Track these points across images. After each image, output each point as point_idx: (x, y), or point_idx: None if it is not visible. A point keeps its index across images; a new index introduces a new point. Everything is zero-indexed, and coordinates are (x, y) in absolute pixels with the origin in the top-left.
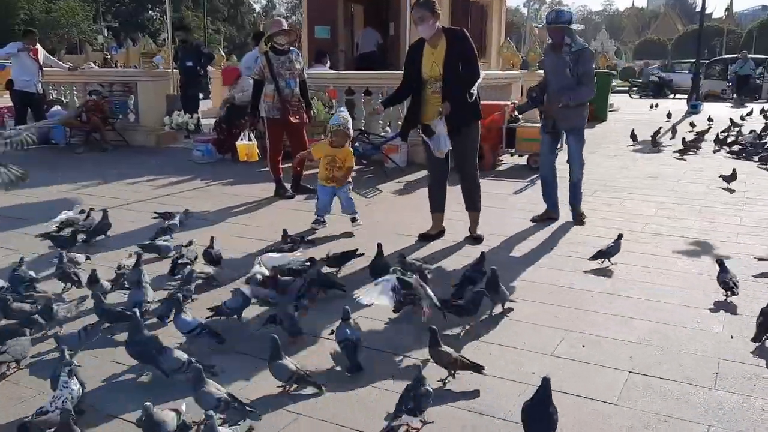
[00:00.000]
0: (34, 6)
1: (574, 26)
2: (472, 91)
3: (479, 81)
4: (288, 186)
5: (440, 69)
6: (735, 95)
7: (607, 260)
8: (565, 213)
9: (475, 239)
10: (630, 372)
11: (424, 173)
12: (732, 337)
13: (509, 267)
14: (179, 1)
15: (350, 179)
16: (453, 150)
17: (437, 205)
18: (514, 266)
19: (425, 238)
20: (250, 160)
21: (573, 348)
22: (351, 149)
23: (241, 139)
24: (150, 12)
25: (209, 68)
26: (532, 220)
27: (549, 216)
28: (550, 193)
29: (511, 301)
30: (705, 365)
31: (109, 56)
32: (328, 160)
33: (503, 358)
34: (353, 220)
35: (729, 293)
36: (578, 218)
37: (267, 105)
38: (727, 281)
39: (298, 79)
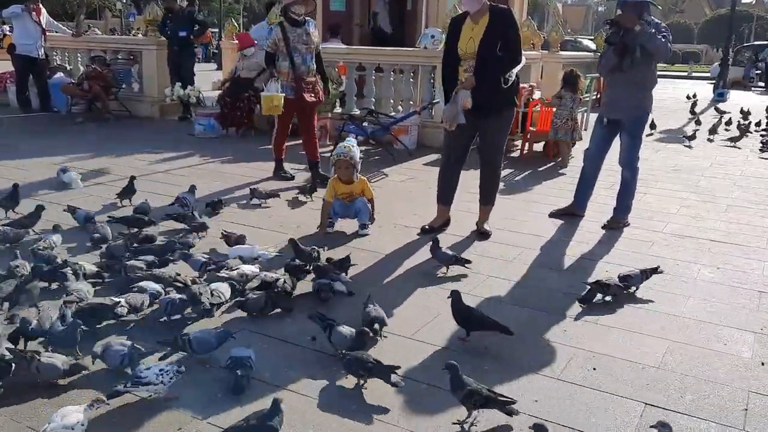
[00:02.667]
0: None
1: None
2: (508, 77)
3: (519, 67)
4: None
5: (476, 46)
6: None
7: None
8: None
9: (482, 234)
10: (646, 404)
11: (432, 157)
12: (763, 364)
13: (513, 267)
14: None
15: (374, 216)
16: (480, 137)
17: (445, 195)
18: (519, 267)
19: (427, 232)
20: (273, 114)
21: (582, 370)
22: (365, 179)
23: (268, 90)
24: None
25: (222, 40)
26: (551, 215)
27: (571, 212)
28: (581, 188)
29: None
30: (733, 398)
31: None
32: (345, 197)
33: (501, 381)
34: (363, 226)
35: None
36: (611, 222)
37: (280, 82)
38: None
39: (313, 53)
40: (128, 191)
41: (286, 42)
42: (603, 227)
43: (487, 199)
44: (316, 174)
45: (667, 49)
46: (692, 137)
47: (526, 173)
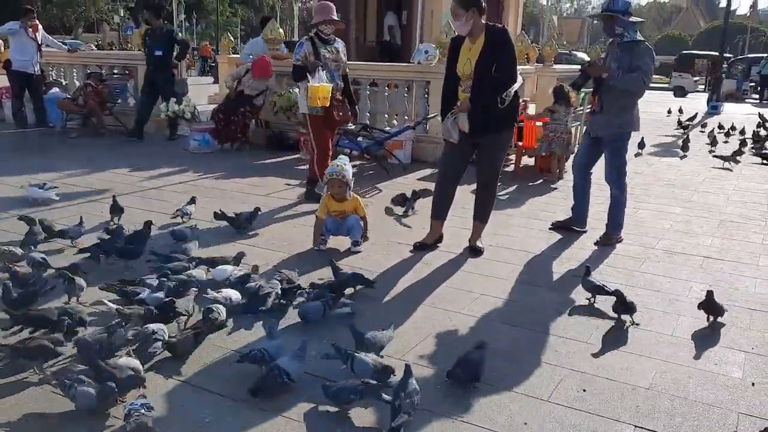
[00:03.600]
0: None
1: (633, 19)
2: (504, 96)
3: (515, 86)
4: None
5: (472, 67)
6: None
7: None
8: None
9: (474, 251)
10: (636, 427)
11: (427, 172)
12: (753, 384)
13: (505, 285)
14: None
15: (367, 234)
16: (477, 156)
17: (440, 210)
18: (511, 284)
19: (420, 248)
20: (321, 105)
21: (572, 392)
22: (359, 197)
23: (314, 80)
24: None
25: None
26: (551, 228)
27: (568, 225)
28: (575, 201)
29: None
30: (722, 420)
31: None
32: (337, 215)
33: (490, 402)
34: (355, 243)
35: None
36: (603, 238)
37: (324, 73)
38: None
39: (341, 72)
40: (115, 209)
41: (317, 56)
42: (595, 243)
43: (481, 217)
44: (311, 193)
45: (638, 84)
46: (685, 146)
47: (519, 188)
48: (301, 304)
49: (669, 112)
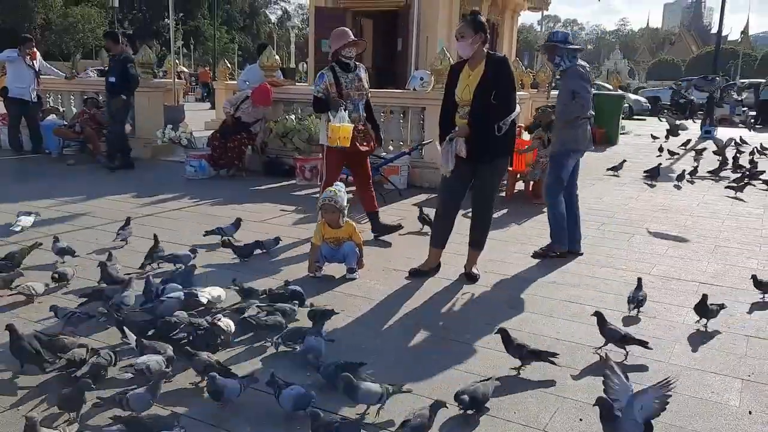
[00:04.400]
0: (52, 11)
1: (573, 47)
2: (502, 125)
3: (513, 115)
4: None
5: (471, 93)
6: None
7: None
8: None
9: (470, 277)
10: None
11: (422, 197)
12: (750, 413)
13: (501, 312)
14: (195, 10)
15: (362, 260)
16: (473, 182)
17: (440, 238)
18: (507, 312)
19: (417, 275)
20: (341, 145)
21: (569, 421)
22: (354, 225)
23: (335, 120)
24: (166, 20)
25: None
26: (533, 256)
27: (549, 250)
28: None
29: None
30: None
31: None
32: (330, 242)
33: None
34: (351, 270)
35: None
36: (541, 250)
37: (347, 112)
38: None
39: (364, 100)
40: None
41: (338, 88)
42: (532, 255)
43: (476, 244)
44: (378, 226)
45: (578, 110)
46: (656, 173)
47: (510, 213)
48: (215, 381)
49: (653, 137)
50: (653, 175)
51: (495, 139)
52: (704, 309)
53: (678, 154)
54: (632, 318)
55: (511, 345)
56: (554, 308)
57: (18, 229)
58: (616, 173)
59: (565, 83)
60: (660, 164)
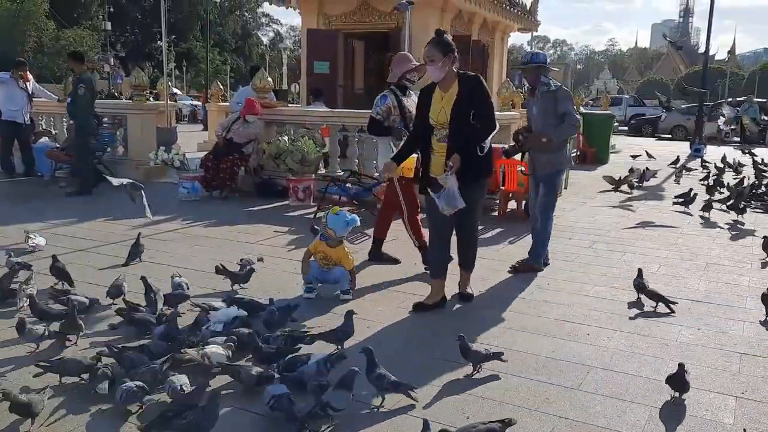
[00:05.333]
0: (44, 34)
1: (555, 68)
2: (483, 145)
3: (492, 134)
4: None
5: (447, 116)
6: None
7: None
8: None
9: (464, 297)
10: None
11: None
12: (744, 431)
13: (496, 333)
14: (188, 33)
15: (354, 285)
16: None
17: (437, 269)
18: (503, 332)
19: (421, 309)
20: (405, 176)
21: None
22: (347, 250)
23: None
24: (159, 42)
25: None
26: (510, 270)
27: (532, 266)
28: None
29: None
30: None
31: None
32: (320, 257)
33: None
34: (345, 292)
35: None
36: (518, 266)
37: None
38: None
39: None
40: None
41: (401, 110)
42: (509, 270)
43: (466, 264)
44: (376, 254)
45: (572, 129)
46: (690, 200)
47: (502, 232)
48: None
49: (634, 157)
50: (687, 201)
51: (477, 159)
52: (681, 383)
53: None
54: (630, 336)
55: (468, 352)
56: (549, 328)
57: (32, 246)
58: (686, 208)
59: (555, 104)
60: (692, 189)
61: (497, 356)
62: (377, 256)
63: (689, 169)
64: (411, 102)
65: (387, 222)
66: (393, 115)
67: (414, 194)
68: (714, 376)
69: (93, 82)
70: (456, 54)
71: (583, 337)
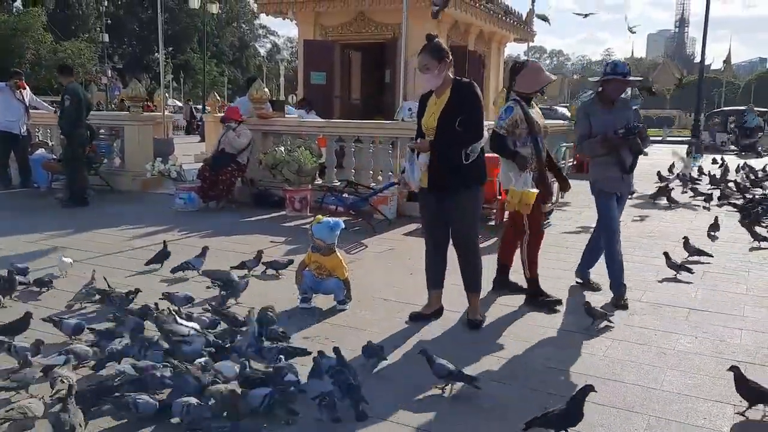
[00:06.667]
0: (42, 47)
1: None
2: (469, 152)
3: (480, 143)
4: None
5: (435, 121)
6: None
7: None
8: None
9: (472, 324)
10: None
11: (412, 227)
12: None
13: (502, 363)
14: (185, 44)
15: (350, 295)
16: (448, 217)
17: (433, 278)
18: (507, 363)
19: (417, 319)
20: (518, 210)
21: None
22: (341, 259)
23: (518, 183)
24: (156, 54)
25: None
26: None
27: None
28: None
29: None
30: None
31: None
32: (314, 266)
33: None
34: (341, 302)
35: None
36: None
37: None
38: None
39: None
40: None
41: (529, 123)
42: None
43: (469, 286)
44: (503, 282)
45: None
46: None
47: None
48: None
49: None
50: (708, 198)
51: (463, 167)
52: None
53: (668, 179)
54: (628, 345)
55: (433, 363)
56: (543, 337)
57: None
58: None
59: (638, 117)
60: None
61: (471, 380)
62: (504, 284)
63: (694, 179)
64: (536, 113)
65: (512, 248)
66: (519, 129)
67: (539, 220)
68: (712, 385)
69: (80, 93)
70: (450, 58)
71: (579, 346)
